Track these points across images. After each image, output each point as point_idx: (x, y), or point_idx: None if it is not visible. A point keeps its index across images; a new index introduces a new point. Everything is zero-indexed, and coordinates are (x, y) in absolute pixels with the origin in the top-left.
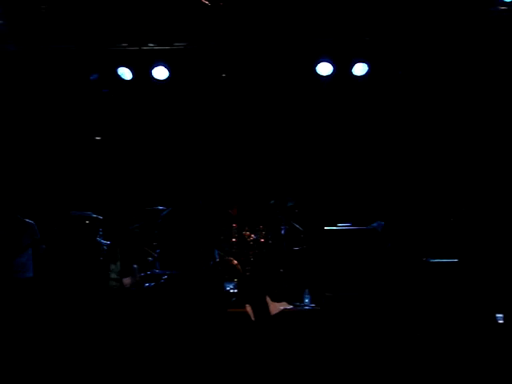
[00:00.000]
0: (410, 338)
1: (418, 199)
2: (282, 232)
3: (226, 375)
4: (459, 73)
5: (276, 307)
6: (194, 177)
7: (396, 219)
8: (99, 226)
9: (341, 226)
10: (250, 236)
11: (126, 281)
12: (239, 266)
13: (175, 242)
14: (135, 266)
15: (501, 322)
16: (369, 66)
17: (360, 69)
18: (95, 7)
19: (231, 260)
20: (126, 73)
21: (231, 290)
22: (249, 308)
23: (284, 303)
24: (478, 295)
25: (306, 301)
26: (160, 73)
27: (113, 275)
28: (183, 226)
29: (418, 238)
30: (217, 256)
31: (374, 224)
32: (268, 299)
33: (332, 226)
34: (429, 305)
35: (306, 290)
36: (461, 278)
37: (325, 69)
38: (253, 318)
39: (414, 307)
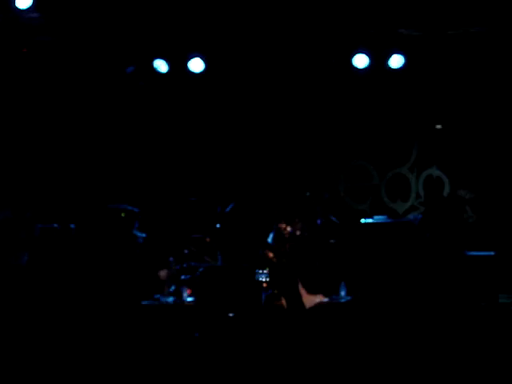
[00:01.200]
0: (448, 331)
1: (453, 191)
2: (318, 224)
3: (261, 368)
4: (501, 66)
5: (312, 300)
6: (228, 169)
7: (433, 211)
8: (135, 219)
9: (377, 218)
10: (285, 228)
11: (162, 273)
12: (275, 259)
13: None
14: (171, 258)
15: None
16: (405, 58)
17: (397, 61)
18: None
19: (267, 252)
20: (161, 65)
21: (263, 280)
22: (284, 301)
23: (320, 296)
24: None
25: (343, 294)
26: (196, 65)
27: None
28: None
29: (457, 229)
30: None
31: (410, 216)
32: (304, 292)
33: (368, 218)
34: (466, 298)
35: (343, 283)
36: (498, 271)
37: (361, 61)
38: (287, 310)
39: (452, 301)
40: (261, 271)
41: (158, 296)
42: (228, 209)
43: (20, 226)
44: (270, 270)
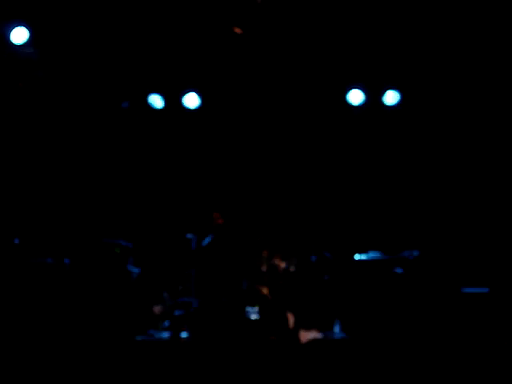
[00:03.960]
0: (443, 369)
1: (452, 226)
2: (313, 261)
3: None
4: (497, 98)
5: (306, 336)
6: (221, 203)
7: (429, 247)
8: (129, 254)
9: (371, 254)
10: (280, 264)
11: (157, 309)
12: (269, 295)
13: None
14: (165, 293)
15: None
16: (401, 94)
17: (392, 97)
18: (124, 36)
19: (260, 288)
20: (156, 100)
21: (253, 317)
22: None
23: (314, 332)
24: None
25: (337, 330)
26: (191, 100)
27: None
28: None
29: (453, 266)
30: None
31: (405, 253)
32: (299, 327)
33: (362, 254)
34: (462, 335)
35: (337, 319)
36: (492, 307)
37: (356, 97)
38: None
39: (447, 336)
40: (251, 309)
41: (152, 331)
42: (205, 242)
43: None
44: (261, 307)
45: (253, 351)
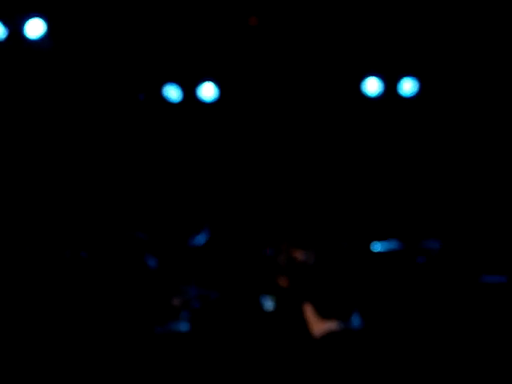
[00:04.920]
0: (463, 360)
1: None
2: (331, 251)
3: None
4: None
5: (323, 326)
6: (243, 196)
7: (451, 236)
8: (147, 246)
9: (389, 243)
10: (299, 256)
11: (175, 301)
12: (287, 286)
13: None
14: (184, 285)
15: None
16: (418, 83)
17: (409, 86)
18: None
19: (279, 279)
20: (172, 92)
21: (269, 308)
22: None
23: (333, 322)
24: None
25: (356, 321)
26: (208, 92)
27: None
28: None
29: (475, 255)
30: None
31: (425, 243)
32: (315, 318)
33: (380, 243)
34: (481, 325)
35: (355, 310)
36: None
37: (372, 87)
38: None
39: (467, 328)
40: (267, 299)
41: (171, 324)
42: (202, 241)
43: None
44: (278, 298)
45: (268, 342)
